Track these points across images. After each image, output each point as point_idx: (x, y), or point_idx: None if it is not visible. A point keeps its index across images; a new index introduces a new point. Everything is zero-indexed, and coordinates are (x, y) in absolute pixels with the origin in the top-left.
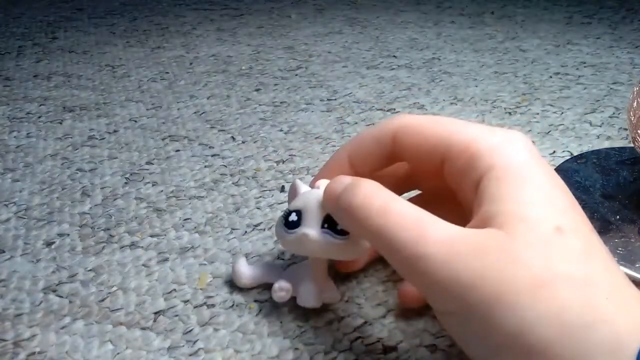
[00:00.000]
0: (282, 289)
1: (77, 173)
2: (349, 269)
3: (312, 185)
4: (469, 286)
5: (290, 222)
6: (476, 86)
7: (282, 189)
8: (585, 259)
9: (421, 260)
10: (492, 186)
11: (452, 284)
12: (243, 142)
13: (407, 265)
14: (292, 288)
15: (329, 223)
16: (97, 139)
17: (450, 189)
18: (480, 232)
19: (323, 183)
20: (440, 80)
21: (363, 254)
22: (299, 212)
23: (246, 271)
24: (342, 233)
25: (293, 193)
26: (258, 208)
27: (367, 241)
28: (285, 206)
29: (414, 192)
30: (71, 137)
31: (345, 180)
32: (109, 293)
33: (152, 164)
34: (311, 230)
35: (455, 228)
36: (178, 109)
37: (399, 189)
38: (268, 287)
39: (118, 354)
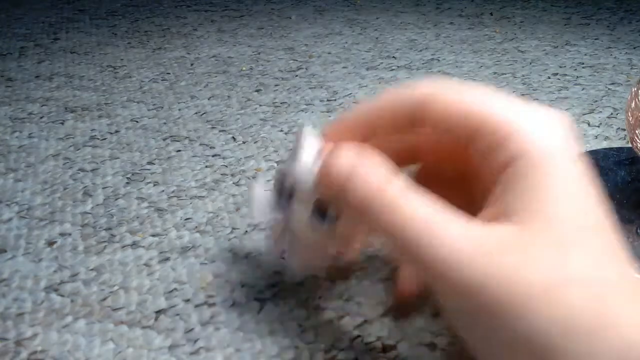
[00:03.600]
0: (273, 245)
1: (79, 173)
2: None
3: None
4: (481, 287)
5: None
6: None
7: None
8: (602, 262)
9: (436, 263)
10: (519, 177)
11: (463, 284)
12: (244, 143)
13: (418, 262)
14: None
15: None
16: (98, 139)
17: (458, 170)
18: (497, 230)
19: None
20: None
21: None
22: (292, 189)
23: (264, 201)
24: (331, 220)
25: (299, 143)
26: None
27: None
28: None
29: None
30: (73, 138)
31: (347, 162)
32: (111, 292)
33: (154, 164)
34: (301, 215)
35: (470, 228)
36: (179, 110)
37: (401, 161)
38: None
39: (119, 352)
